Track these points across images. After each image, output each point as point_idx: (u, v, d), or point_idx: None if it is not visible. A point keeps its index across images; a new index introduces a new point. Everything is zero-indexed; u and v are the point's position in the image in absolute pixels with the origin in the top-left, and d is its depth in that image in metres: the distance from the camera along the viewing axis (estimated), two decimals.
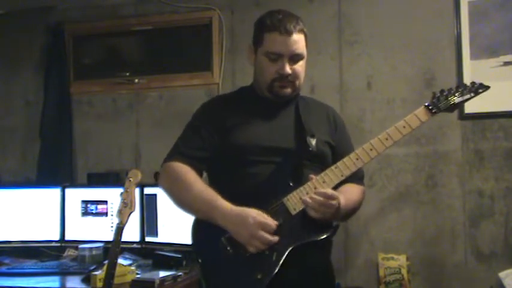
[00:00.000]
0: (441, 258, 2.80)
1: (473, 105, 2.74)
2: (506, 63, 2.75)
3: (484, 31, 2.79)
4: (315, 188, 1.67)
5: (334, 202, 1.64)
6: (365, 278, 2.89)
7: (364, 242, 2.92)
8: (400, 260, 2.73)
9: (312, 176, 1.69)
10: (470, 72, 2.75)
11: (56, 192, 3.07)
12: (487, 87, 1.75)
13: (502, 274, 2.47)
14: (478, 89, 1.74)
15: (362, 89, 2.97)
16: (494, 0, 2.79)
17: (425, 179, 2.86)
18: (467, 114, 2.79)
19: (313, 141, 1.74)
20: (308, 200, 1.63)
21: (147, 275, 2.51)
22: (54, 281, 2.61)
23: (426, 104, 1.71)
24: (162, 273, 2.48)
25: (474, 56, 2.79)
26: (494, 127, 2.78)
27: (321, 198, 1.62)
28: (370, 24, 2.97)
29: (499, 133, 2.77)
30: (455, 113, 2.81)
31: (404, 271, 2.71)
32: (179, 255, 2.69)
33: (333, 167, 1.69)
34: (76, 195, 3.06)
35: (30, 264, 2.89)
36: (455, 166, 2.82)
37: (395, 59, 2.92)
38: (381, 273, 2.75)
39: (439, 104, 1.70)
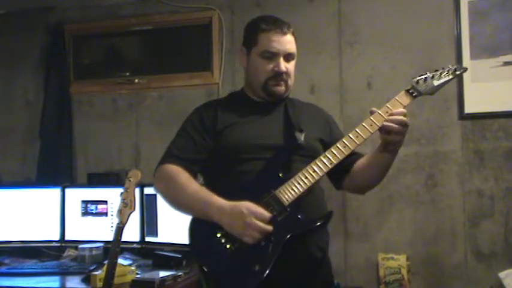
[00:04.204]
0: (441, 258, 2.80)
1: (473, 105, 2.78)
2: (506, 63, 2.75)
3: (484, 31, 2.79)
4: (312, 173, 1.69)
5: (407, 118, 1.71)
6: (365, 278, 2.89)
7: (364, 242, 2.92)
8: (400, 260, 2.73)
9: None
10: (470, 72, 2.74)
11: (56, 192, 3.07)
12: (465, 69, 1.83)
13: (502, 274, 2.47)
14: (456, 70, 1.80)
15: (362, 89, 2.97)
16: (494, 0, 2.79)
17: (425, 179, 2.86)
18: (467, 114, 2.80)
19: (301, 136, 1.79)
20: (390, 124, 1.68)
21: (147, 275, 2.51)
22: (54, 281, 2.61)
23: (407, 89, 1.76)
24: (162, 273, 2.48)
25: (474, 56, 2.79)
26: (494, 127, 2.78)
27: (401, 117, 1.69)
28: (370, 24, 2.97)
29: (499, 133, 2.77)
30: (456, 113, 2.82)
31: (404, 271, 2.71)
32: (179, 255, 2.69)
33: (321, 157, 1.72)
34: (76, 195, 3.06)
35: (30, 264, 2.89)
36: (455, 166, 2.82)
37: (395, 59, 2.92)
38: (381, 273, 2.75)
39: (419, 88, 1.75)
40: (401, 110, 1.71)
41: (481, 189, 2.78)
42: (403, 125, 1.69)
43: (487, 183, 2.77)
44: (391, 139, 1.70)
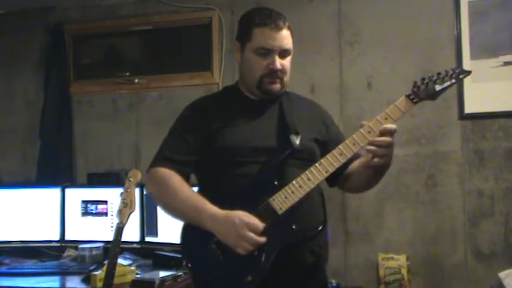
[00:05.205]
0: (441, 258, 2.80)
1: (473, 105, 2.78)
2: (506, 63, 2.75)
3: (484, 31, 2.79)
4: (306, 181, 1.64)
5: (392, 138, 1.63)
6: (365, 278, 2.89)
7: (364, 242, 2.92)
8: (400, 260, 2.73)
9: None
10: None
11: (56, 192, 3.07)
12: (468, 72, 1.70)
13: (502, 274, 2.46)
14: (459, 74, 1.67)
15: (362, 89, 2.97)
16: (494, 0, 2.79)
17: (425, 179, 2.86)
18: (467, 114, 2.80)
19: (297, 139, 1.73)
20: (375, 149, 1.61)
21: (147, 275, 2.51)
22: (54, 281, 2.61)
23: (407, 94, 1.68)
24: (162, 273, 2.48)
25: (474, 56, 2.79)
26: (494, 127, 2.78)
27: (389, 139, 1.62)
28: (370, 24, 2.97)
29: (499, 133, 2.77)
30: (455, 113, 2.82)
31: (404, 271, 2.71)
32: (179, 255, 2.68)
33: (317, 164, 1.67)
34: (76, 195, 3.06)
35: (30, 264, 2.89)
36: (455, 166, 2.82)
37: (395, 59, 2.92)
38: (381, 273, 2.75)
39: (420, 93, 1.66)
40: (389, 127, 1.62)
41: (481, 189, 2.78)
42: (387, 146, 1.62)
43: (487, 183, 2.77)
44: (374, 163, 1.64)
